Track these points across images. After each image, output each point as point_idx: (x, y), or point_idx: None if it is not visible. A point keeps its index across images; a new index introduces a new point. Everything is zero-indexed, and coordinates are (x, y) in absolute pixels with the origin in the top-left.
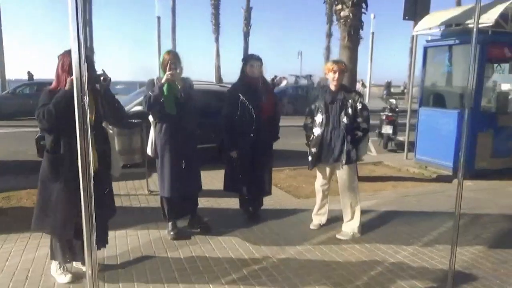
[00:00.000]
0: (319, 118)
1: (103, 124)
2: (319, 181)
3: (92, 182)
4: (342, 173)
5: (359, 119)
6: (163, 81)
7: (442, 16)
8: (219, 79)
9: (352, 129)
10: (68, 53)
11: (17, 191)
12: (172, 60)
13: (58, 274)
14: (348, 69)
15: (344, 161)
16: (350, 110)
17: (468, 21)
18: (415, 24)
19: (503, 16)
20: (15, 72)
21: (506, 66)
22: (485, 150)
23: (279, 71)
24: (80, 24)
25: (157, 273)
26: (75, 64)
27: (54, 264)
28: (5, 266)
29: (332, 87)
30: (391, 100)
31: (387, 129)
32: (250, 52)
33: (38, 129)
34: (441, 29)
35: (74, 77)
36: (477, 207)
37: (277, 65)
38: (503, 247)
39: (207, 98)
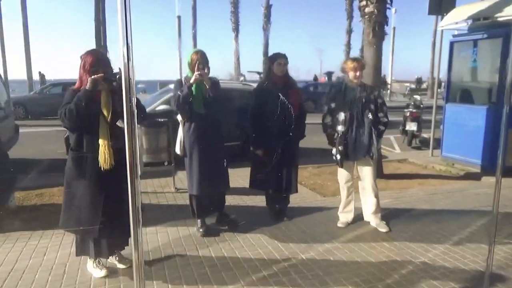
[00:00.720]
0: (341, 116)
1: (117, 123)
2: (343, 179)
3: (139, 180)
4: (368, 168)
5: (380, 114)
6: (192, 81)
7: (469, 10)
8: (238, 76)
9: (376, 124)
10: (89, 53)
11: (49, 188)
12: (200, 60)
13: (94, 268)
14: (365, 65)
15: (374, 156)
16: (372, 106)
17: (497, 14)
18: (440, 19)
19: None
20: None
21: None
22: None
23: (299, 69)
24: (129, 27)
25: (189, 269)
26: (124, 66)
27: (90, 259)
28: (43, 261)
29: (354, 85)
30: (415, 96)
31: (412, 126)
32: (270, 49)
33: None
34: (468, 23)
35: (123, 78)
36: (509, 205)
37: (297, 62)
38: None
39: (231, 97)
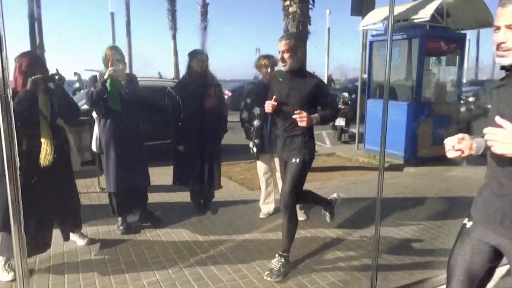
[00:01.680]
0: (256, 110)
1: (57, 121)
2: (261, 171)
3: (19, 182)
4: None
5: None
6: (105, 77)
7: (385, 12)
8: (178, 75)
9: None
10: (24, 55)
11: None
12: (115, 56)
13: (2, 271)
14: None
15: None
16: None
17: (413, 17)
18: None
19: (439, 11)
20: None
21: (444, 58)
22: (426, 138)
23: (237, 67)
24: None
25: (103, 267)
26: None
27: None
28: None
29: (267, 81)
30: (344, 94)
31: (340, 122)
32: (208, 48)
33: None
34: (384, 24)
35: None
36: (415, 191)
37: (235, 61)
38: (433, 224)
39: (158, 95)
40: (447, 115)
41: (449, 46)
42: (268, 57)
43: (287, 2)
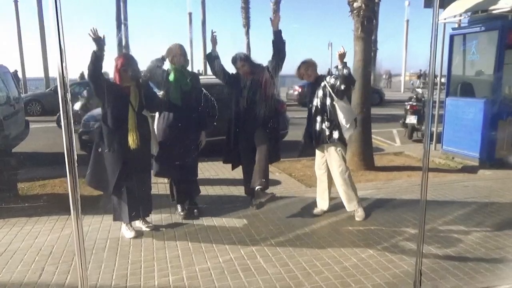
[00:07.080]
0: (308, 110)
1: (143, 112)
2: (315, 166)
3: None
4: (331, 157)
5: (337, 83)
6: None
7: (467, 3)
8: None
9: (324, 108)
10: (120, 56)
11: (52, 180)
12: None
13: (125, 230)
14: (315, 63)
15: (326, 141)
16: (321, 92)
17: (492, 7)
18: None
19: None
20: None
21: None
22: (506, 138)
23: None
24: (62, 33)
25: (162, 252)
26: (57, 67)
27: (124, 224)
28: (34, 243)
29: (311, 82)
30: (417, 90)
31: (411, 119)
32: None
33: (79, 124)
34: (464, 16)
35: (57, 79)
36: (486, 195)
37: (307, 56)
38: (500, 233)
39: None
40: None
41: None
42: (300, 65)
43: None
